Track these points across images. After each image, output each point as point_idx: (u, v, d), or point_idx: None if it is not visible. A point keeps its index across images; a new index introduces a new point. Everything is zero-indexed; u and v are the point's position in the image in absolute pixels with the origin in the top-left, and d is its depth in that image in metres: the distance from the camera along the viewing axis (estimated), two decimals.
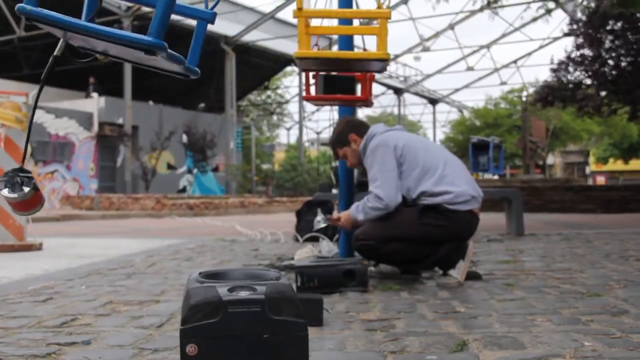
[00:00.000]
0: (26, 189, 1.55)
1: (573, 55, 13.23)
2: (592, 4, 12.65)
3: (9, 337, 2.06)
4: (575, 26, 13.28)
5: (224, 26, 23.28)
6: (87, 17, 1.50)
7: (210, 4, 1.58)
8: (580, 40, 12.94)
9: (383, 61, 2.77)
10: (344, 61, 2.97)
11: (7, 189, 1.55)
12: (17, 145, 5.64)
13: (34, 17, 1.34)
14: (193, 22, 1.63)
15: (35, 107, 1.67)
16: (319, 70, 3.27)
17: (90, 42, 1.43)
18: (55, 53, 1.51)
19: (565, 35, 14.07)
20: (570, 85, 13.55)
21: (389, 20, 2.71)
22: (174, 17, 1.46)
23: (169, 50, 1.36)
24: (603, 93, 13.22)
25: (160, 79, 28.09)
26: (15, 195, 1.55)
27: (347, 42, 3.70)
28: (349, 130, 3.45)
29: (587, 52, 12.80)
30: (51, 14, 1.35)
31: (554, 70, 13.75)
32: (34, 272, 4.08)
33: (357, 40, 3.82)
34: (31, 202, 1.58)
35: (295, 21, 2.77)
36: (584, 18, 12.81)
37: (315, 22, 2.95)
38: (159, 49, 1.31)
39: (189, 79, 1.57)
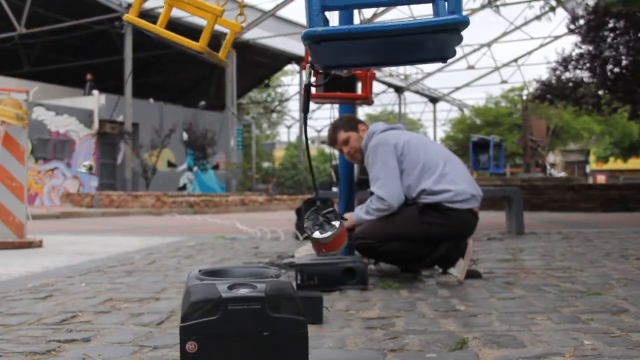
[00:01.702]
0: (336, 223, 1.49)
1: (573, 54, 13.22)
2: (590, 2, 12.64)
3: (8, 334, 2.06)
4: (575, 25, 13.27)
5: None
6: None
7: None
8: (579, 38, 12.93)
9: (197, 52, 2.58)
10: (171, 42, 2.63)
11: (318, 231, 1.49)
12: (17, 142, 5.63)
13: (326, 37, 1.27)
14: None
15: (306, 139, 1.57)
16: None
17: (344, 56, 1.38)
18: (305, 81, 1.46)
19: (567, 33, 14.05)
20: (570, 84, 13.55)
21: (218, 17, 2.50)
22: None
23: None
24: (603, 92, 13.21)
25: (160, 77, 28.14)
26: (329, 233, 1.49)
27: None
28: (358, 121, 3.48)
29: (587, 50, 12.79)
30: (336, 28, 1.30)
31: (553, 70, 13.75)
32: (34, 269, 4.08)
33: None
34: (342, 236, 1.51)
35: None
36: (584, 16, 12.79)
37: None
38: (466, 24, 1.29)
39: (443, 62, 1.48)
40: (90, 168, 1.68)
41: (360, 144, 3.42)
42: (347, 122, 3.48)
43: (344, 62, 1.47)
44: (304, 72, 3.38)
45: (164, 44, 2.51)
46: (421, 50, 1.44)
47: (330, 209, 1.49)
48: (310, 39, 1.28)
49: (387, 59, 1.53)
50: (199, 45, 2.38)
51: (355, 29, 1.30)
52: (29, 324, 2.21)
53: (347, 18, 1.39)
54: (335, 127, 3.50)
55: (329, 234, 1.46)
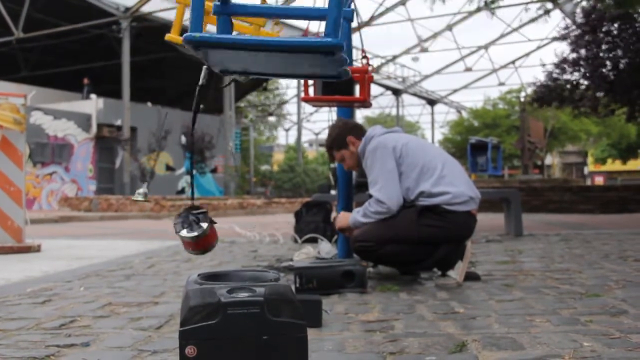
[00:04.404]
0: (204, 225, 1.53)
1: (570, 57, 13.25)
2: (586, 4, 12.67)
3: (7, 339, 2.06)
4: (569, 29, 13.31)
5: None
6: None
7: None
8: (574, 41, 12.97)
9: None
10: None
11: (185, 230, 1.53)
12: (15, 147, 5.63)
13: (203, 43, 1.30)
14: None
15: (192, 131, 1.63)
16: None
17: (229, 62, 1.40)
18: (200, 82, 1.49)
19: (559, 38, 14.09)
20: (568, 86, 13.57)
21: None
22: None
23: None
24: (600, 94, 13.24)
25: (158, 81, 28.15)
26: (195, 233, 1.53)
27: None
28: (347, 133, 3.44)
29: (583, 53, 12.82)
30: (219, 37, 1.32)
31: (550, 72, 13.79)
32: (33, 273, 4.08)
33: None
34: (210, 237, 1.55)
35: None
36: (581, 19, 12.83)
37: None
38: (339, 48, 1.30)
39: (340, 79, 1.53)
40: (145, 195, 1.67)
41: (354, 159, 3.44)
42: (335, 140, 3.47)
43: (234, 68, 1.50)
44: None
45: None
46: (311, 67, 1.47)
47: (203, 210, 1.55)
48: (188, 44, 1.32)
49: (276, 70, 1.57)
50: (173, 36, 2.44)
51: (227, 39, 1.33)
52: (27, 329, 2.20)
53: (226, 26, 1.41)
54: (329, 148, 3.54)
55: (194, 234, 1.52)
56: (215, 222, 1.56)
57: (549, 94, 13.79)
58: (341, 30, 1.32)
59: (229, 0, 1.40)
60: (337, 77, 1.50)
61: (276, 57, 1.35)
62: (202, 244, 1.57)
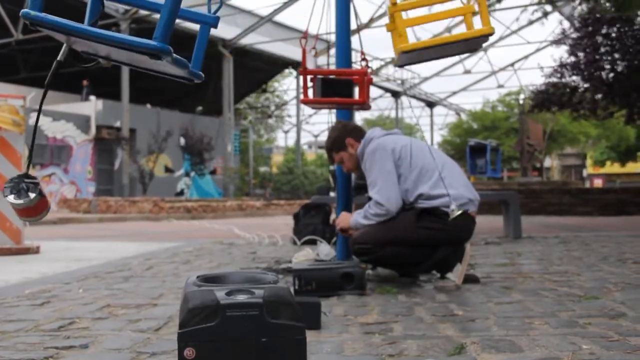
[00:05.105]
0: (32, 195, 1.55)
1: (568, 60, 13.27)
2: (585, 8, 12.69)
3: (6, 340, 2.06)
4: (566, 33, 13.34)
5: (221, 29, 23.24)
6: (89, 22, 1.50)
7: (213, 8, 1.58)
8: (572, 45, 12.98)
9: (488, 36, 2.72)
10: (447, 46, 2.85)
11: (12, 195, 1.55)
12: (14, 149, 5.63)
13: (38, 22, 1.33)
14: (194, 26, 1.63)
15: (39, 111, 1.67)
16: (418, 62, 3.18)
17: (94, 46, 1.43)
18: (58, 58, 1.51)
19: (557, 42, 14.11)
20: (567, 90, 13.59)
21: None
22: (176, 21, 1.47)
23: (174, 54, 1.36)
24: (599, 96, 13.25)
25: (157, 82, 28.14)
26: (21, 201, 1.55)
27: (344, 53, 3.71)
28: (346, 135, 3.44)
29: (581, 57, 12.83)
30: (54, 19, 1.35)
31: (547, 77, 13.81)
32: (31, 275, 4.07)
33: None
34: (37, 208, 1.58)
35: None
36: (578, 23, 12.85)
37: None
38: (164, 53, 1.31)
39: (192, 83, 1.57)
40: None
41: (353, 161, 3.44)
42: (335, 142, 3.47)
43: (95, 52, 1.53)
44: (300, 77, 3.38)
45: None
46: (155, 64, 1.47)
47: (35, 180, 1.56)
48: (26, 20, 1.35)
49: (131, 62, 1.56)
50: (487, 28, 2.59)
51: (62, 23, 1.36)
52: (26, 331, 2.20)
53: (93, 8, 1.46)
54: (328, 150, 3.54)
55: (20, 201, 1.53)
56: (44, 195, 1.57)
57: (548, 98, 13.81)
58: (169, 34, 1.33)
59: None
60: (187, 79, 1.53)
61: (123, 50, 1.36)
62: (28, 212, 1.59)
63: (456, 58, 32.40)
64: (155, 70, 1.56)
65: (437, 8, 2.96)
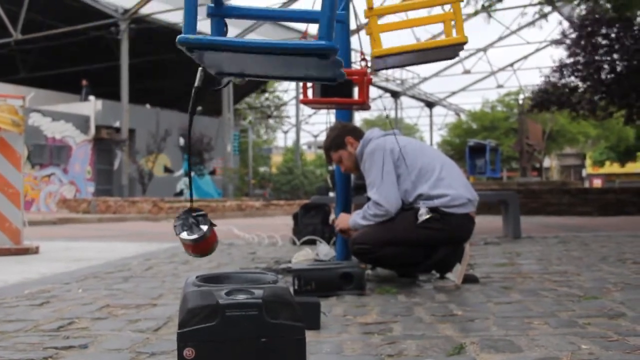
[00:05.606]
0: (204, 228, 1.53)
1: (567, 61, 13.27)
2: (584, 9, 12.69)
3: (5, 340, 2.06)
4: (565, 34, 13.34)
5: None
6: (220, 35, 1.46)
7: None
8: (570, 45, 12.99)
9: (462, 45, 2.75)
10: (421, 53, 2.87)
11: (185, 232, 1.53)
12: (13, 149, 5.63)
13: (197, 46, 1.30)
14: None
15: (189, 131, 1.61)
16: (392, 67, 3.21)
17: (238, 62, 1.40)
18: (196, 84, 1.48)
19: (556, 42, 14.12)
20: (566, 90, 13.60)
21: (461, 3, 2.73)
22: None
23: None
24: (598, 97, 13.26)
25: (156, 82, 28.15)
26: (196, 235, 1.52)
27: (344, 53, 3.71)
28: (346, 133, 3.45)
29: (580, 58, 12.84)
30: (212, 38, 1.32)
31: (548, 77, 13.82)
32: (31, 275, 4.07)
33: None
34: (208, 241, 1.55)
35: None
36: (577, 24, 12.86)
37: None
38: (334, 51, 1.30)
39: (334, 83, 1.53)
40: None
41: (352, 160, 3.43)
42: (334, 140, 3.47)
43: (230, 70, 1.49)
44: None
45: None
46: (307, 69, 1.47)
47: (202, 212, 1.55)
48: (182, 46, 1.31)
49: (272, 72, 1.57)
50: (460, 37, 2.62)
51: (221, 41, 1.32)
52: (25, 331, 2.20)
53: (219, 28, 1.41)
54: (326, 150, 3.53)
55: (195, 236, 1.52)
56: (215, 225, 1.56)
57: (548, 98, 13.82)
58: (334, 33, 1.32)
59: (222, 2, 1.40)
60: (332, 79, 1.51)
61: (272, 59, 1.35)
62: (202, 247, 1.57)
63: (456, 58, 32.45)
64: (294, 77, 1.56)
65: (415, 14, 3.00)
